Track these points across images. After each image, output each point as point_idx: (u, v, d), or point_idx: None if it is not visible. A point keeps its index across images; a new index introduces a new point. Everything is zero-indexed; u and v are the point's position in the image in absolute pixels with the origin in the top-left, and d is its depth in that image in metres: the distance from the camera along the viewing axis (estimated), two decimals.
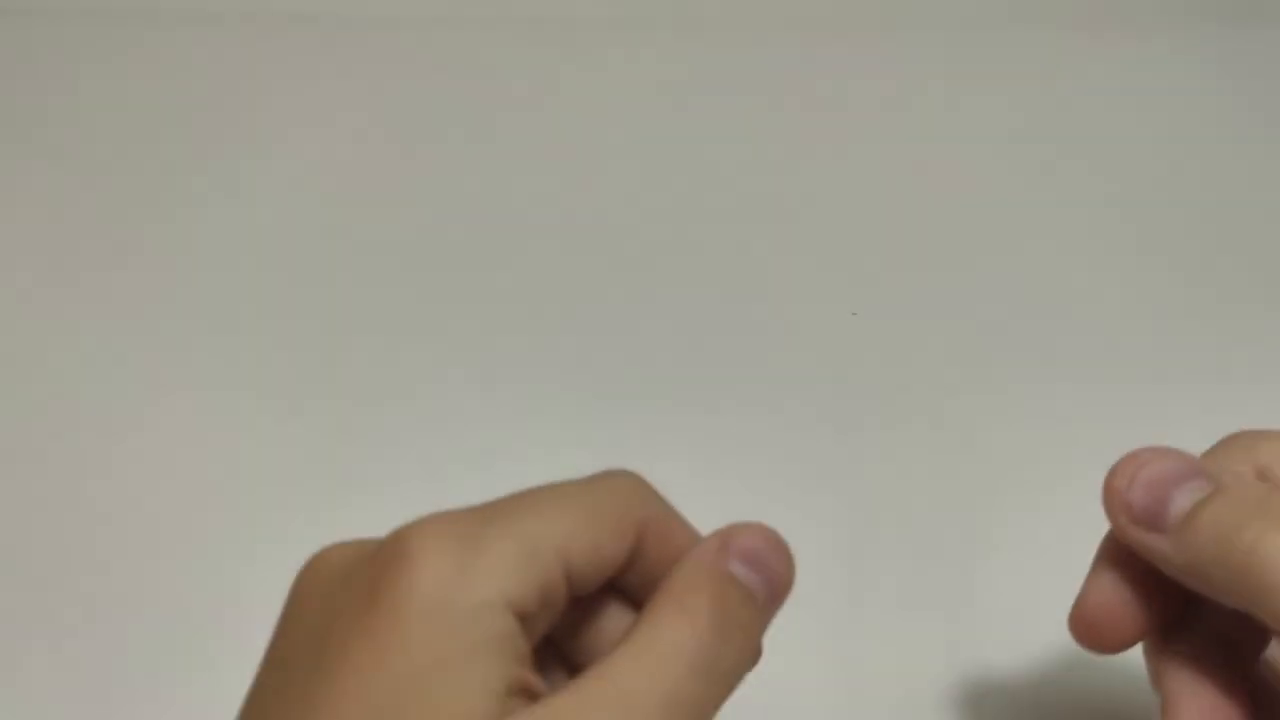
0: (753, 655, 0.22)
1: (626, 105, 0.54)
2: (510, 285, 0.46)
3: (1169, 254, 0.48)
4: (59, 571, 0.36)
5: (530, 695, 0.20)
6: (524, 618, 0.21)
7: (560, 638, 0.23)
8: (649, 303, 0.45)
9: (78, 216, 0.48)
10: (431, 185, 0.50)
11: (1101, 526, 0.26)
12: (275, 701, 0.21)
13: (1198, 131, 0.54)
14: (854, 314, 0.45)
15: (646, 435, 0.40)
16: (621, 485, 0.24)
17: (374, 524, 0.38)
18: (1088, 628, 0.25)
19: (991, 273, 0.47)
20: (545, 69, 0.56)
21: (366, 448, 0.40)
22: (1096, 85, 0.57)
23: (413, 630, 0.19)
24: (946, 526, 0.38)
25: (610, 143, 0.52)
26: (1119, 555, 0.25)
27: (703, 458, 0.40)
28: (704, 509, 0.38)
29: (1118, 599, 0.24)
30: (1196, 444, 0.40)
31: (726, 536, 0.24)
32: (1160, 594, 0.24)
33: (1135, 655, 0.26)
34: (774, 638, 0.24)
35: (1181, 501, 0.23)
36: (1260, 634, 0.24)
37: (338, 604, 0.21)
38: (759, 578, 0.23)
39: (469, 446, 0.40)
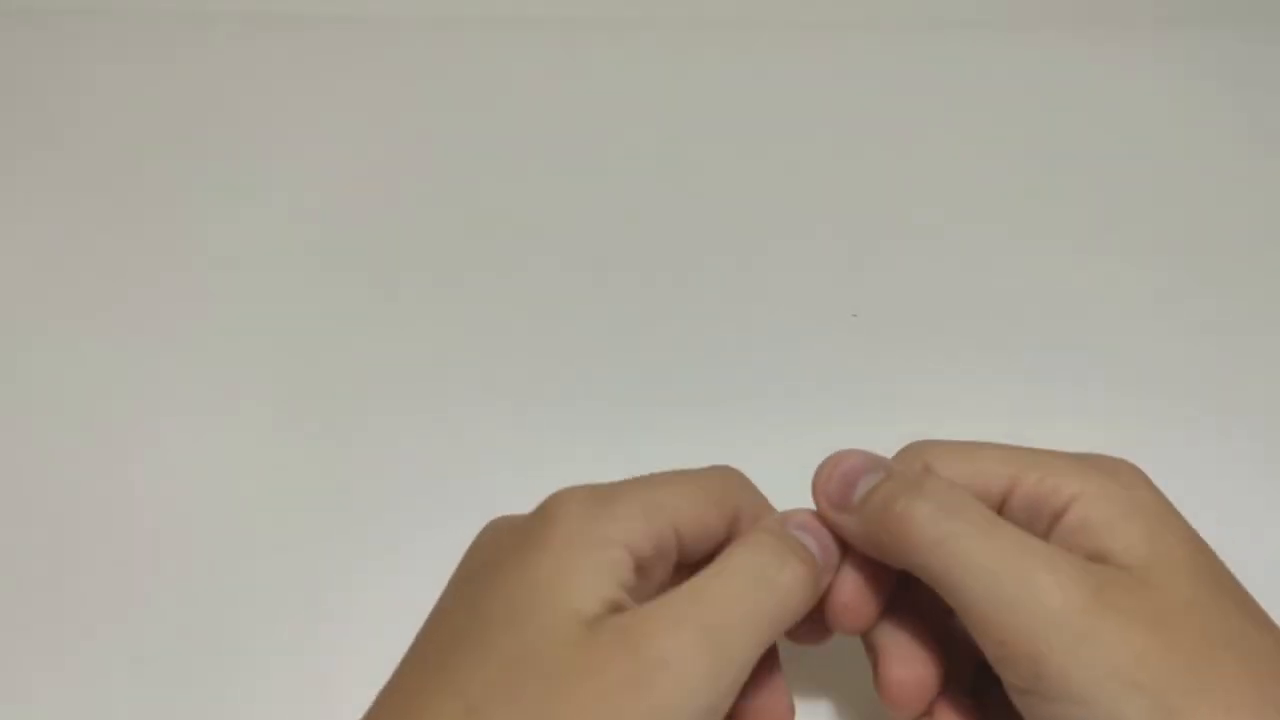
0: (807, 594, 0.28)
1: (626, 105, 0.55)
2: (510, 284, 0.46)
3: (1169, 255, 0.48)
4: (59, 573, 0.36)
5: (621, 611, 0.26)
6: (640, 562, 0.27)
7: None
8: (649, 302, 0.45)
9: (77, 216, 0.48)
10: (431, 185, 0.50)
11: None
12: (450, 610, 0.28)
13: (1198, 132, 0.54)
14: (854, 315, 0.45)
15: (646, 436, 0.40)
16: (725, 474, 0.31)
17: (373, 525, 0.38)
18: (838, 615, 0.30)
19: (992, 273, 0.47)
20: (545, 69, 0.56)
21: (367, 447, 0.40)
22: (1097, 86, 0.57)
23: (551, 552, 0.27)
24: None
25: (610, 142, 0.52)
26: (853, 557, 0.30)
27: (702, 458, 0.40)
28: None
29: (855, 591, 0.30)
30: (1192, 443, 0.40)
31: (786, 513, 0.30)
32: (883, 583, 0.30)
33: None
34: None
35: (863, 487, 0.29)
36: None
37: (503, 542, 0.28)
38: (813, 540, 0.29)
39: (469, 446, 0.40)
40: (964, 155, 0.52)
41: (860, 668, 0.31)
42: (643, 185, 0.50)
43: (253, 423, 0.41)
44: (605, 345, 0.43)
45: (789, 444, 0.40)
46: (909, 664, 0.29)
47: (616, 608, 0.26)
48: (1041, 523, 0.28)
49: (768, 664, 0.29)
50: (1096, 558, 0.26)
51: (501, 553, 0.28)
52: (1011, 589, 0.25)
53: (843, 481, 0.29)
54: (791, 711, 0.29)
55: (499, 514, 0.38)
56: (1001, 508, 0.29)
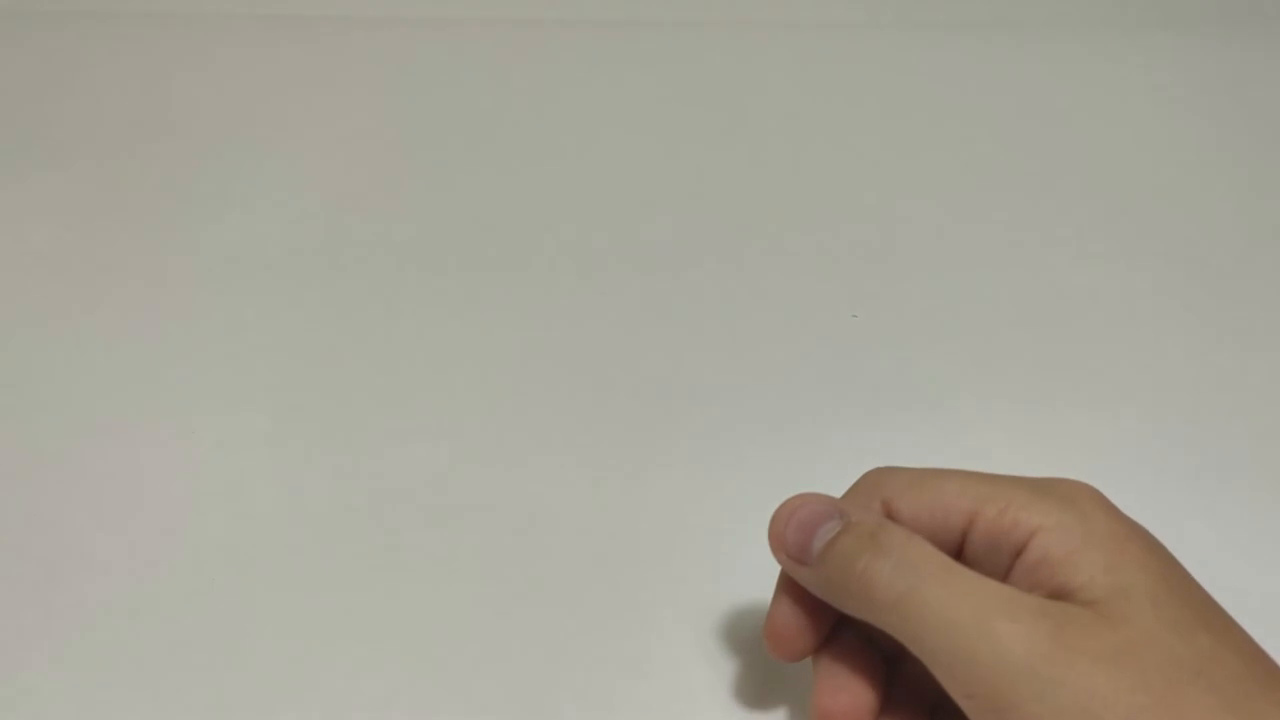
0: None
1: (627, 105, 0.55)
2: (510, 284, 0.46)
3: (1169, 255, 0.48)
4: (59, 574, 0.36)
5: None
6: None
7: None
8: (648, 302, 0.45)
9: (77, 216, 0.48)
10: (431, 185, 0.50)
11: None
12: None
13: (1197, 133, 0.54)
14: (854, 316, 0.45)
15: (646, 435, 0.40)
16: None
17: (374, 524, 0.38)
18: (775, 643, 0.30)
19: (991, 273, 0.47)
20: (545, 69, 0.56)
21: (367, 448, 0.40)
22: (1097, 86, 0.57)
23: None
24: None
25: (610, 143, 0.52)
26: (792, 584, 0.30)
27: (702, 458, 0.40)
28: (704, 509, 0.38)
29: (793, 619, 0.30)
30: (1190, 445, 0.40)
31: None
32: (823, 614, 0.30)
33: None
34: None
35: (820, 539, 0.29)
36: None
37: None
38: None
39: (470, 446, 0.40)
40: (964, 155, 0.52)
41: None
42: (643, 185, 0.50)
43: (253, 423, 0.41)
44: (605, 344, 0.43)
45: (789, 444, 0.40)
46: (838, 695, 0.29)
47: None
48: (1003, 558, 0.28)
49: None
50: (1059, 593, 0.26)
51: None
52: (974, 641, 0.25)
53: (799, 532, 0.29)
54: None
55: (499, 514, 0.38)
56: (962, 542, 0.29)
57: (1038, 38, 0.59)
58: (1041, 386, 0.42)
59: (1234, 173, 0.52)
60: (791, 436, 0.40)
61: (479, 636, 0.35)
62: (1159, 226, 0.49)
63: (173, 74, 0.55)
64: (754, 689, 0.34)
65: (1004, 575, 0.28)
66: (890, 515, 0.29)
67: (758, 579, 0.33)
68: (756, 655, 0.34)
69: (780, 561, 0.30)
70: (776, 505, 0.30)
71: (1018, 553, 0.28)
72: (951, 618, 0.26)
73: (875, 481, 0.30)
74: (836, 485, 0.31)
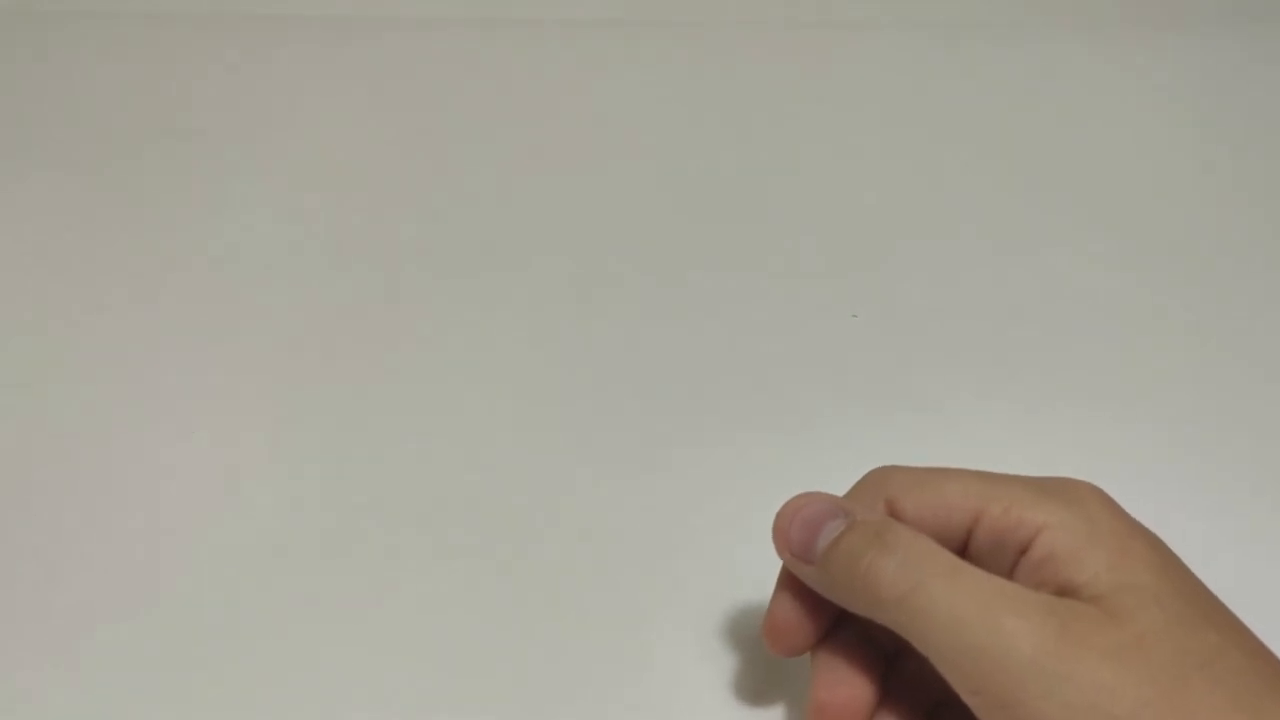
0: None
1: (626, 105, 0.55)
2: (510, 284, 0.46)
3: (1169, 255, 0.48)
4: (58, 574, 0.36)
5: None
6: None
7: None
8: (648, 302, 0.45)
9: (76, 216, 0.48)
10: (431, 185, 0.50)
11: None
12: None
13: (1197, 134, 0.54)
14: (854, 316, 0.45)
15: (646, 435, 0.40)
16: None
17: (374, 525, 0.38)
18: (774, 637, 0.31)
19: (991, 273, 0.47)
20: (545, 69, 0.56)
21: (367, 448, 0.40)
22: (1097, 86, 0.57)
23: None
24: None
25: (610, 142, 0.52)
26: (793, 580, 0.30)
27: (702, 457, 0.40)
28: (704, 509, 0.38)
29: (793, 614, 0.30)
30: (1190, 445, 0.40)
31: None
32: (823, 610, 0.30)
33: None
34: None
35: (825, 537, 0.29)
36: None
37: None
38: None
39: (470, 446, 0.40)
40: (964, 155, 0.52)
41: None
42: (642, 184, 0.50)
43: (253, 423, 0.41)
44: (605, 344, 0.43)
45: (789, 444, 0.40)
46: (836, 689, 0.29)
47: None
48: (1007, 556, 0.28)
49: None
50: (1064, 590, 0.27)
51: None
52: (980, 637, 0.26)
53: (804, 530, 0.29)
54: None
55: (500, 515, 0.38)
56: (967, 540, 0.29)
57: (1038, 38, 0.59)
58: (1041, 386, 0.42)
59: (1234, 173, 0.52)
60: (791, 436, 0.40)
61: (479, 636, 0.35)
62: (1159, 226, 0.49)
63: (172, 74, 0.55)
64: (755, 689, 0.34)
65: (1008, 573, 0.28)
66: (894, 514, 0.30)
67: (758, 578, 0.33)
68: (757, 654, 0.34)
69: (784, 560, 0.30)
70: (777, 505, 0.30)
71: (1022, 551, 0.28)
72: (958, 614, 0.26)
73: (879, 481, 0.30)
74: (837, 485, 0.31)
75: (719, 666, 0.34)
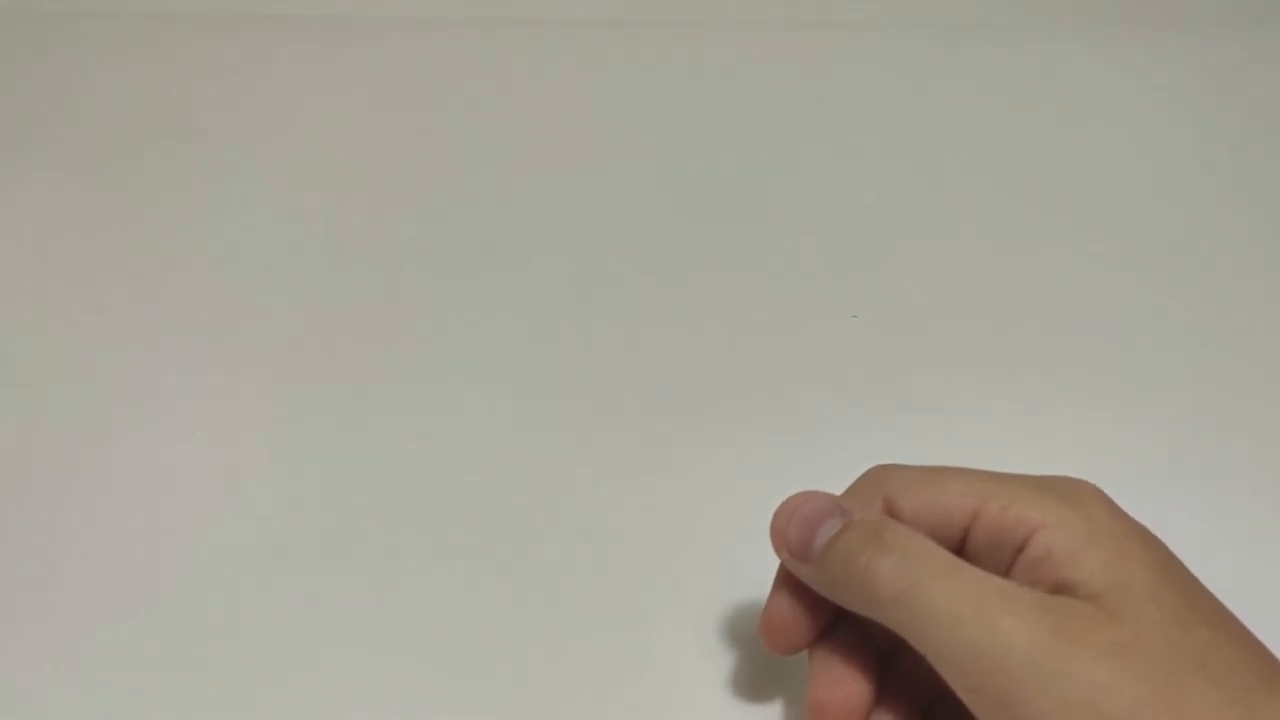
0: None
1: (626, 105, 0.54)
2: (510, 284, 0.46)
3: (1170, 256, 0.48)
4: (58, 575, 0.36)
5: None
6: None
7: None
8: (648, 302, 0.45)
9: (76, 217, 0.48)
10: (431, 185, 0.50)
11: None
12: None
13: (1197, 134, 0.54)
14: (854, 316, 0.45)
15: (646, 436, 0.40)
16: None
17: (374, 525, 0.38)
18: (770, 635, 0.31)
19: (991, 273, 0.47)
20: (545, 69, 0.56)
21: (367, 447, 0.40)
22: (1097, 87, 0.57)
23: None
24: None
25: (610, 142, 0.52)
26: (790, 578, 0.31)
27: (701, 457, 0.40)
28: (704, 509, 0.38)
29: (790, 612, 0.30)
30: (1190, 446, 0.40)
31: None
32: (820, 608, 0.30)
33: None
34: None
35: (822, 536, 0.29)
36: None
37: None
38: None
39: (470, 446, 0.40)
40: (964, 155, 0.52)
41: None
42: (642, 184, 0.50)
43: (253, 423, 0.41)
44: (605, 344, 0.43)
45: (788, 444, 0.40)
46: (833, 688, 0.30)
47: None
48: (1004, 554, 0.28)
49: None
50: (1060, 589, 0.27)
51: None
52: (977, 635, 0.26)
53: (802, 529, 0.29)
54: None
55: (500, 515, 0.38)
56: (964, 538, 0.29)
57: (1038, 38, 0.59)
58: (1041, 386, 0.42)
59: (1234, 173, 0.52)
60: (791, 436, 0.40)
61: (479, 636, 0.35)
62: (1159, 226, 0.49)
63: (172, 74, 0.55)
64: (754, 688, 0.34)
65: (1005, 572, 0.28)
66: (892, 513, 0.30)
67: (758, 578, 0.33)
68: (756, 654, 0.34)
69: (782, 558, 0.30)
70: (776, 505, 0.30)
71: (1019, 549, 0.28)
72: (955, 612, 0.26)
73: (877, 479, 0.31)
74: (837, 485, 0.31)
75: (719, 666, 0.34)
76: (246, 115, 0.53)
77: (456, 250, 0.47)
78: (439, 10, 0.59)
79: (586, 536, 0.37)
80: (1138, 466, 0.39)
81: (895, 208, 0.49)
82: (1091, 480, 0.29)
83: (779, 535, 0.30)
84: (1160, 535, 0.28)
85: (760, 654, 0.34)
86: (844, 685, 0.30)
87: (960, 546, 0.29)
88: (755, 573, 0.33)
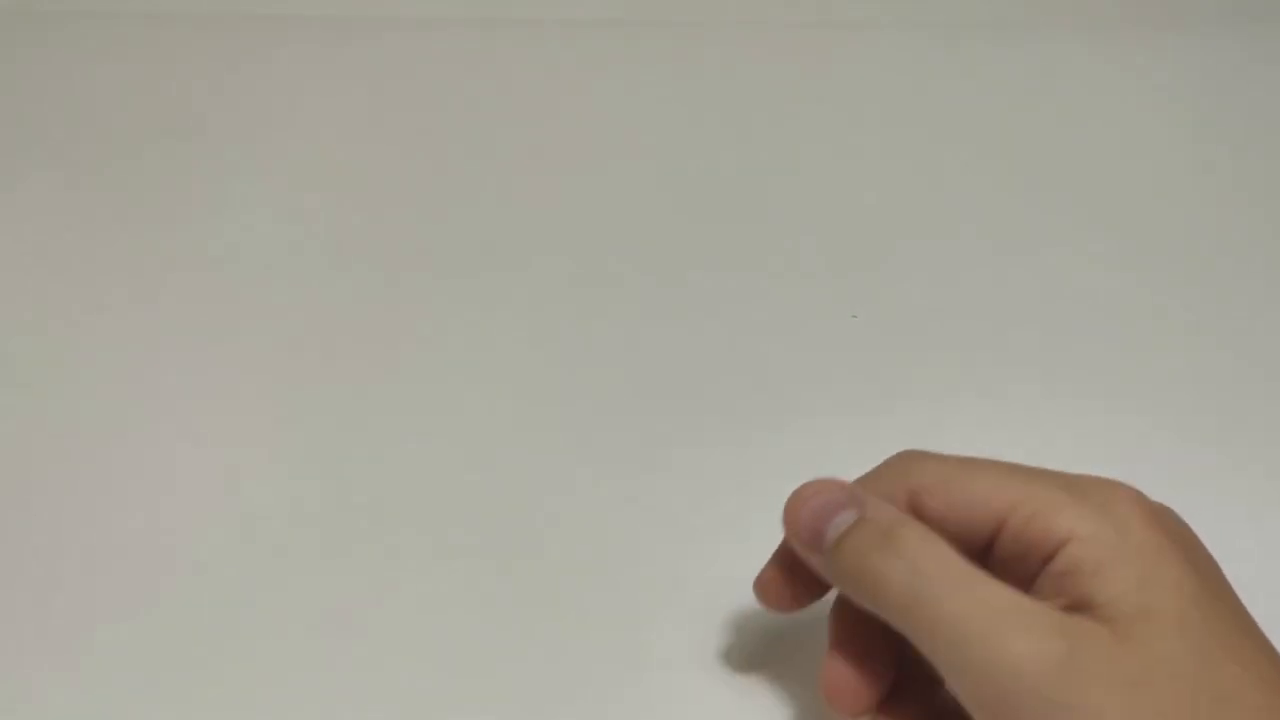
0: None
1: (626, 105, 0.54)
2: (510, 284, 0.46)
3: (1170, 256, 0.48)
4: (57, 576, 0.36)
5: None
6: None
7: None
8: (648, 302, 0.45)
9: (76, 217, 0.48)
10: (431, 185, 0.50)
11: None
12: None
13: (1197, 134, 0.54)
14: (854, 316, 0.45)
15: (647, 436, 0.40)
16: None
17: (374, 525, 0.38)
18: (763, 592, 0.32)
19: (991, 274, 0.47)
20: (545, 69, 0.56)
21: (367, 447, 0.40)
22: (1096, 87, 0.57)
23: None
24: None
25: (610, 142, 0.52)
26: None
27: (701, 458, 0.40)
28: (704, 509, 0.38)
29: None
30: (1190, 446, 0.40)
31: None
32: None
33: None
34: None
35: (834, 530, 0.28)
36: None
37: None
38: None
39: (470, 446, 0.40)
40: (964, 155, 0.52)
41: None
42: (642, 184, 0.50)
43: (253, 423, 0.41)
44: (605, 344, 0.43)
45: (789, 444, 0.40)
46: (848, 670, 0.29)
47: None
48: (1032, 563, 0.27)
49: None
50: (1082, 606, 0.25)
51: None
52: (983, 655, 0.25)
53: (813, 519, 0.29)
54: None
55: (501, 515, 0.38)
56: (991, 543, 0.28)
57: (1038, 38, 0.59)
58: (1041, 386, 0.42)
59: (1234, 173, 0.52)
60: (791, 437, 0.40)
61: (479, 636, 0.35)
62: (1159, 226, 0.49)
63: (172, 74, 0.55)
64: (754, 688, 0.34)
65: (1030, 581, 0.27)
66: (915, 508, 0.29)
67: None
68: (757, 654, 0.34)
69: (794, 545, 0.30)
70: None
71: (1047, 559, 0.27)
72: (963, 630, 0.25)
73: (903, 468, 0.30)
74: None
75: (719, 666, 0.34)
76: (246, 115, 0.53)
77: (456, 250, 0.47)
78: (439, 10, 0.59)
79: (586, 536, 0.37)
80: (1138, 467, 0.39)
81: (895, 208, 0.49)
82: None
83: (792, 524, 0.29)
84: None
85: (760, 654, 0.34)
86: (860, 668, 0.29)
87: (988, 547, 0.28)
88: (756, 572, 0.33)
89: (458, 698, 0.33)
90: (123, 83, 0.55)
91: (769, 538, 0.31)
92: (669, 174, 0.51)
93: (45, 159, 0.51)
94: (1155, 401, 0.42)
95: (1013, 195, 0.50)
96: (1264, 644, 0.26)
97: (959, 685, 0.26)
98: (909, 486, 0.29)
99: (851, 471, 0.31)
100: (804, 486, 0.30)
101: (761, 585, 0.31)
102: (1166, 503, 0.28)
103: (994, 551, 0.28)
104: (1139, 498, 0.27)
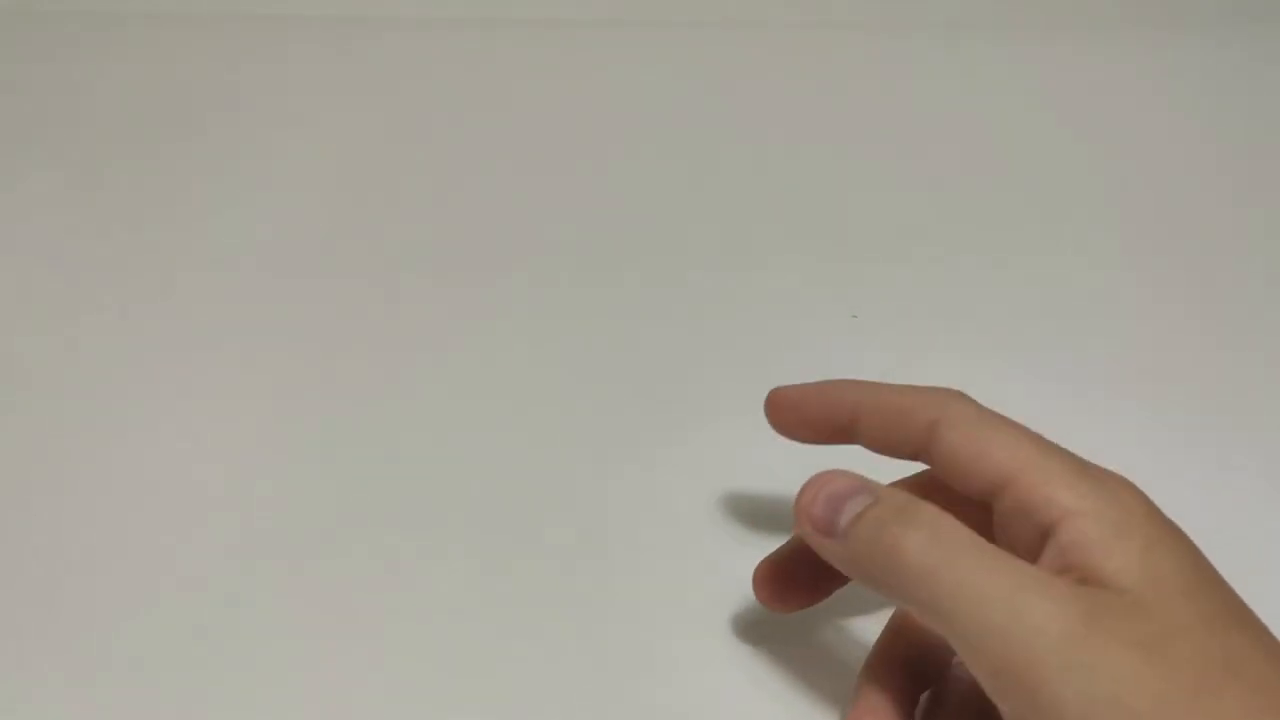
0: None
1: (626, 105, 0.55)
2: (509, 283, 0.46)
3: (1170, 256, 0.48)
4: (57, 576, 0.36)
5: None
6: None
7: None
8: (648, 302, 0.45)
9: (76, 217, 0.48)
10: (431, 185, 0.50)
11: None
12: None
13: (1198, 134, 0.54)
14: (854, 316, 0.45)
15: (647, 436, 0.40)
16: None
17: (373, 525, 0.38)
18: (764, 591, 0.32)
19: (992, 274, 0.47)
20: (545, 69, 0.56)
21: (367, 447, 0.40)
22: (1096, 87, 0.57)
23: None
24: None
25: (609, 142, 0.52)
26: (787, 551, 0.32)
27: (701, 458, 0.40)
28: (704, 509, 0.38)
29: (784, 569, 0.32)
30: (1191, 447, 0.40)
31: None
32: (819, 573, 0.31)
33: None
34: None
35: (849, 512, 0.28)
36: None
37: None
38: None
39: (469, 445, 0.40)
40: (964, 155, 0.52)
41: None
42: (642, 185, 0.50)
43: (253, 423, 0.41)
44: (605, 344, 0.43)
45: (789, 444, 0.40)
46: (871, 714, 0.30)
47: None
48: (1032, 534, 0.27)
49: None
50: (1090, 578, 0.26)
51: None
52: (1005, 617, 0.25)
53: (828, 505, 0.29)
54: None
55: (501, 515, 0.38)
56: (992, 502, 0.28)
57: (1038, 38, 0.59)
58: (1042, 386, 0.42)
59: (1234, 173, 0.52)
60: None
61: (479, 636, 0.35)
62: (1159, 226, 0.49)
63: (172, 74, 0.55)
64: (755, 688, 0.34)
65: (1034, 557, 0.27)
66: (933, 440, 0.29)
67: None
68: (758, 654, 0.34)
69: (806, 536, 0.30)
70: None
71: (1048, 532, 0.27)
72: (985, 592, 0.25)
73: (940, 402, 0.30)
74: None
75: (719, 666, 0.34)
76: (246, 115, 0.53)
77: (456, 250, 0.47)
78: (439, 10, 0.59)
79: (587, 536, 0.37)
80: (1138, 467, 0.39)
81: (895, 208, 0.49)
82: None
83: (804, 512, 0.29)
84: None
85: (760, 654, 0.34)
86: (882, 713, 0.29)
87: (987, 511, 0.29)
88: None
89: (458, 698, 0.33)
90: (123, 83, 0.55)
91: (772, 536, 0.31)
92: (669, 174, 0.51)
93: (45, 159, 0.51)
94: (1155, 401, 0.42)
95: (1013, 195, 0.50)
96: (1260, 621, 0.27)
97: (977, 651, 0.26)
98: (932, 418, 0.30)
99: (851, 470, 0.31)
100: (816, 476, 0.30)
101: (759, 581, 0.32)
102: (1166, 502, 0.29)
103: (994, 516, 0.28)
104: (1136, 487, 0.28)
